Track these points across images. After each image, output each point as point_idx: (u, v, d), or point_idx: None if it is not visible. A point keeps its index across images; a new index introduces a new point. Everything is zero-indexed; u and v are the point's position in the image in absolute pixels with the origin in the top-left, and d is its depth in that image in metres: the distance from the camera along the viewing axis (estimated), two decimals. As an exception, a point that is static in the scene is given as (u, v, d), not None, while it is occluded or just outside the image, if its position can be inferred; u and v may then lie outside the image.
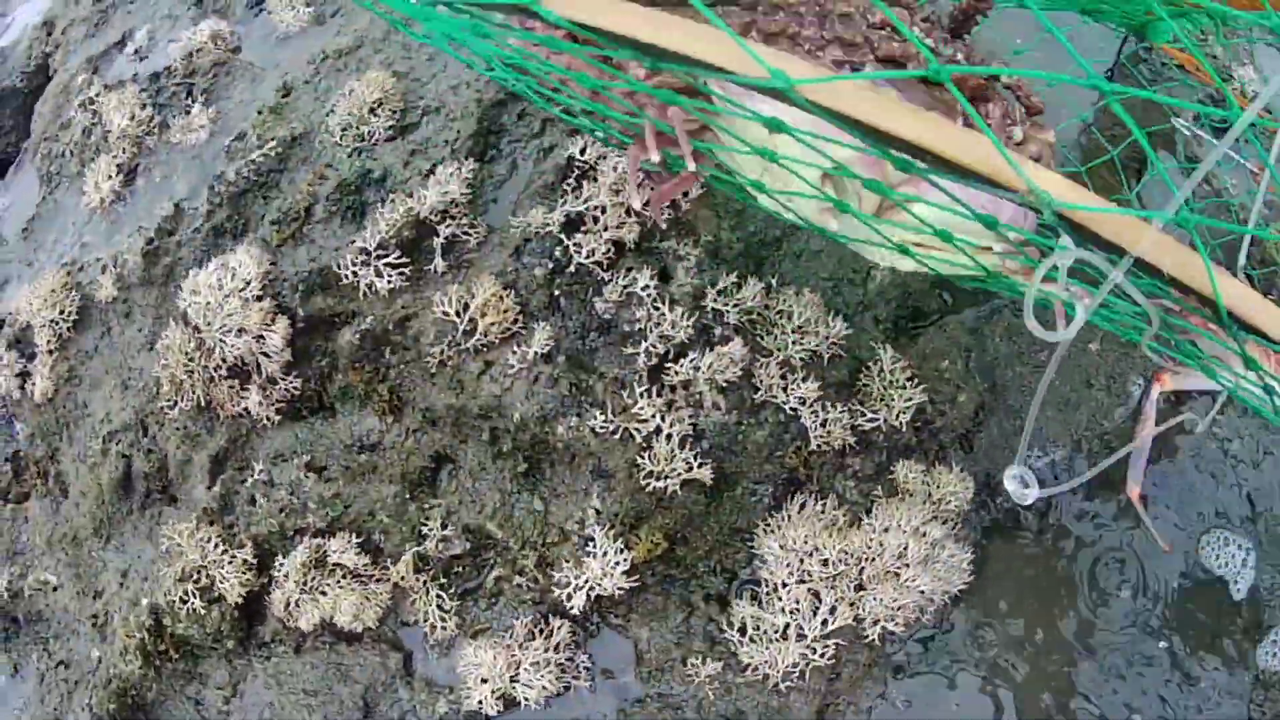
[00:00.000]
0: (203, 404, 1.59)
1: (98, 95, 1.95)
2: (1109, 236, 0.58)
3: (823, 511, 1.47)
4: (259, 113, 1.75)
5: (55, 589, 1.73)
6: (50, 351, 1.79)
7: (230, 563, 1.50)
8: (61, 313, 1.78)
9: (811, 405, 1.46)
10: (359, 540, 1.49)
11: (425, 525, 1.48)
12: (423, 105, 1.69)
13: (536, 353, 1.43)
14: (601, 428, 1.39)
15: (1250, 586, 1.56)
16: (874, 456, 1.50)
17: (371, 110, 1.68)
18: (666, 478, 1.39)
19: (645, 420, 1.40)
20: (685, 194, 1.51)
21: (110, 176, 1.86)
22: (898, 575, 1.47)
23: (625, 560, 1.39)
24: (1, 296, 1.97)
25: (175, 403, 1.60)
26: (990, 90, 1.06)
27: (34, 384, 1.80)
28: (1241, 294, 0.58)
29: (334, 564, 1.48)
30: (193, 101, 1.88)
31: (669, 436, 1.40)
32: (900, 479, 1.50)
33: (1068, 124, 1.79)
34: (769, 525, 1.46)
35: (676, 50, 0.60)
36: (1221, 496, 1.63)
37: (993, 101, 1.05)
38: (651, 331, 1.43)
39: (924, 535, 1.48)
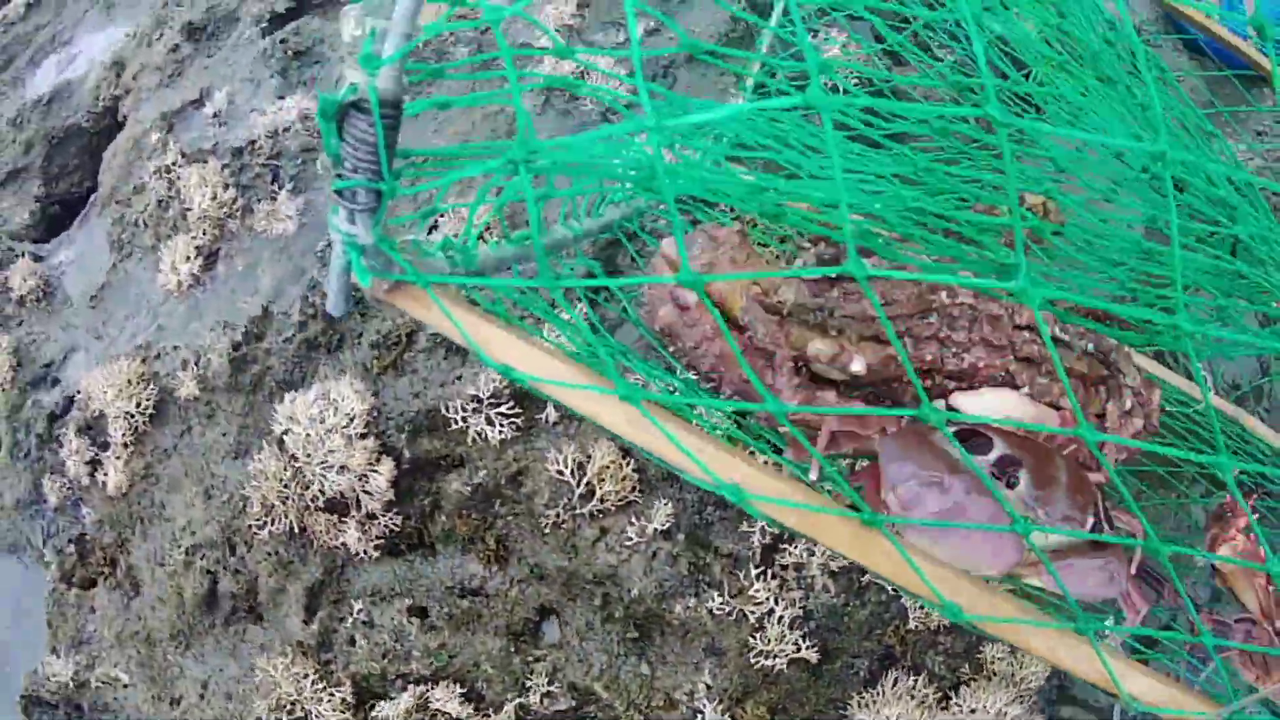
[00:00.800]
0: (295, 531, 1.58)
1: (175, 164, 1.87)
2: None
3: (914, 688, 1.53)
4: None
5: (125, 686, 1.73)
6: (125, 445, 1.75)
7: (328, 700, 1.52)
8: (138, 405, 1.74)
9: (913, 584, 1.51)
10: (463, 690, 1.51)
11: (529, 679, 1.50)
12: (532, 230, 1.66)
13: (656, 529, 1.44)
14: (719, 609, 1.42)
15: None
16: (964, 635, 1.56)
17: (481, 234, 1.64)
18: (775, 657, 1.44)
19: (760, 602, 1.43)
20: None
21: (189, 259, 1.80)
22: (980, 752, 1.54)
23: (730, 736, 1.44)
24: (66, 366, 1.92)
25: (266, 525, 1.59)
26: (1113, 384, 1.10)
27: (106, 475, 1.77)
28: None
29: (436, 710, 1.51)
30: (279, 187, 1.82)
31: (780, 619, 1.43)
32: (987, 658, 1.56)
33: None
34: (863, 699, 1.51)
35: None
36: None
37: (1112, 400, 1.10)
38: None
39: (1005, 715, 1.56)
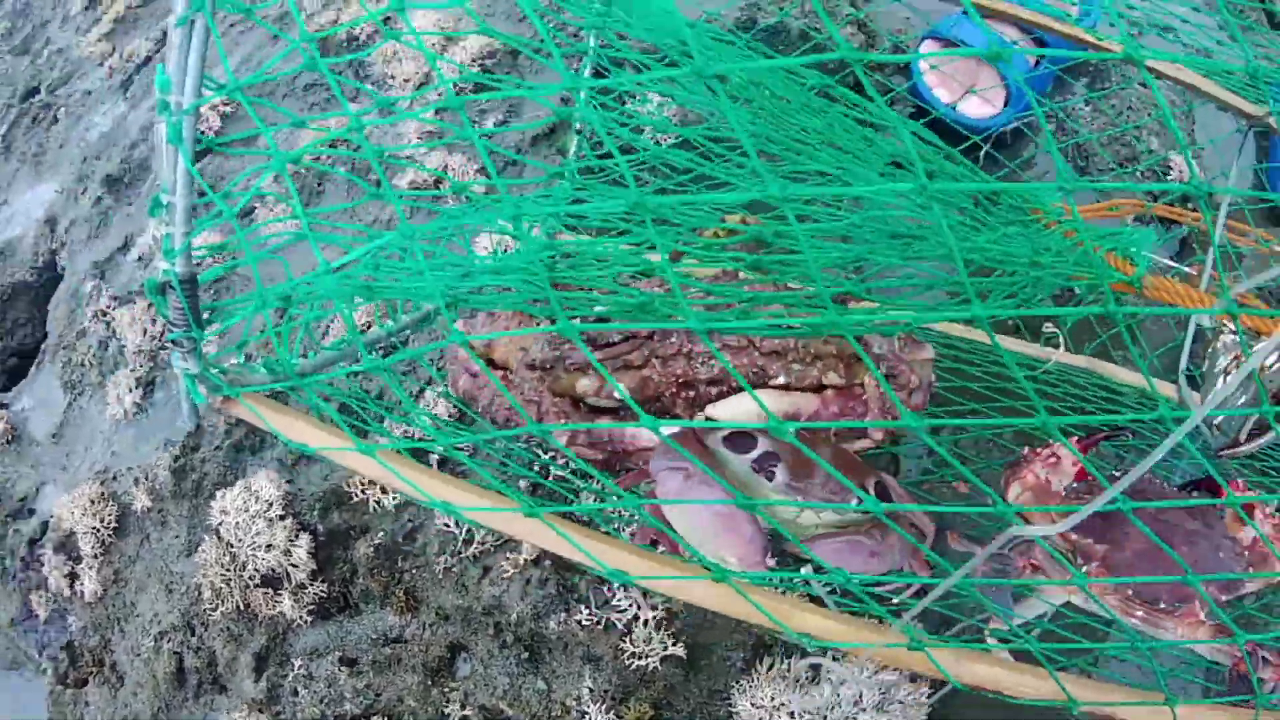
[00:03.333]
0: (242, 607, 2.11)
1: (109, 308, 2.45)
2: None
3: (787, 670, 1.96)
4: (262, 333, 2.25)
5: (123, 769, 2.26)
6: (95, 556, 2.31)
7: None
8: (102, 521, 2.30)
9: (769, 578, 1.96)
10: None
11: (446, 706, 1.99)
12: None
13: (526, 559, 1.93)
14: (587, 621, 1.89)
15: None
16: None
17: (365, 330, 2.17)
18: (647, 657, 1.90)
19: (623, 610, 1.90)
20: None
21: (130, 390, 2.37)
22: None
23: (618, 730, 1.89)
24: (39, 498, 2.49)
25: (217, 607, 2.12)
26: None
27: (83, 585, 2.32)
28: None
29: None
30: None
31: (646, 622, 1.90)
32: (852, 634, 1.99)
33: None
34: (740, 686, 1.96)
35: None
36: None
37: (867, 372, 1.55)
38: (625, 529, 1.93)
39: (876, 679, 1.98)
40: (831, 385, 1.61)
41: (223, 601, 2.11)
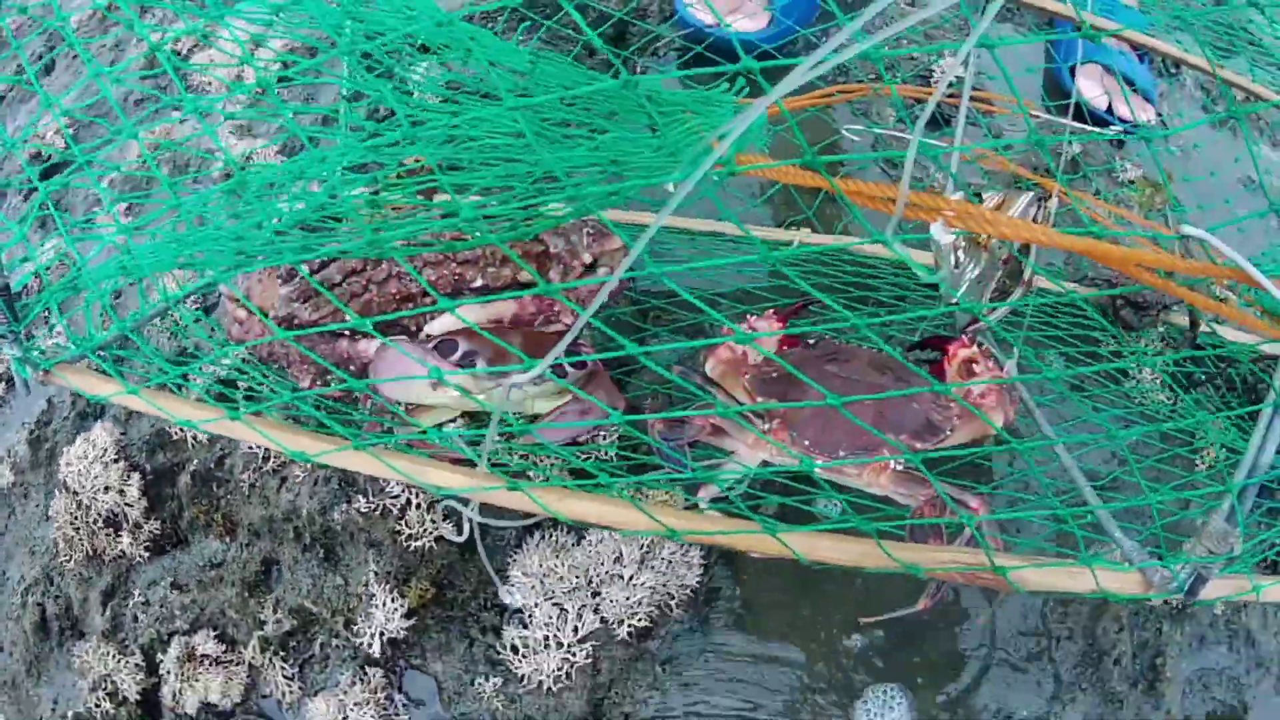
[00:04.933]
0: (91, 553, 2.55)
1: None
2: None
3: (554, 540, 2.34)
4: (102, 315, 2.75)
5: (6, 726, 2.69)
6: None
7: (126, 669, 2.44)
8: None
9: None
10: (216, 633, 2.41)
11: (262, 613, 2.40)
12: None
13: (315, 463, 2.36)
14: (365, 509, 2.31)
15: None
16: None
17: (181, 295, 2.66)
18: (421, 538, 2.30)
19: (396, 496, 2.31)
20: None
21: None
22: (622, 577, 2.33)
23: (403, 606, 2.28)
24: None
25: (70, 556, 2.56)
26: (550, 252, 2.01)
27: None
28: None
29: (201, 655, 2.41)
30: (49, 315, 2.90)
31: (418, 506, 2.30)
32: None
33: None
34: (514, 559, 2.34)
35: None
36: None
37: (553, 267, 2.00)
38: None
39: (635, 541, 2.35)
40: (525, 283, 2.07)
41: (74, 550, 2.56)
